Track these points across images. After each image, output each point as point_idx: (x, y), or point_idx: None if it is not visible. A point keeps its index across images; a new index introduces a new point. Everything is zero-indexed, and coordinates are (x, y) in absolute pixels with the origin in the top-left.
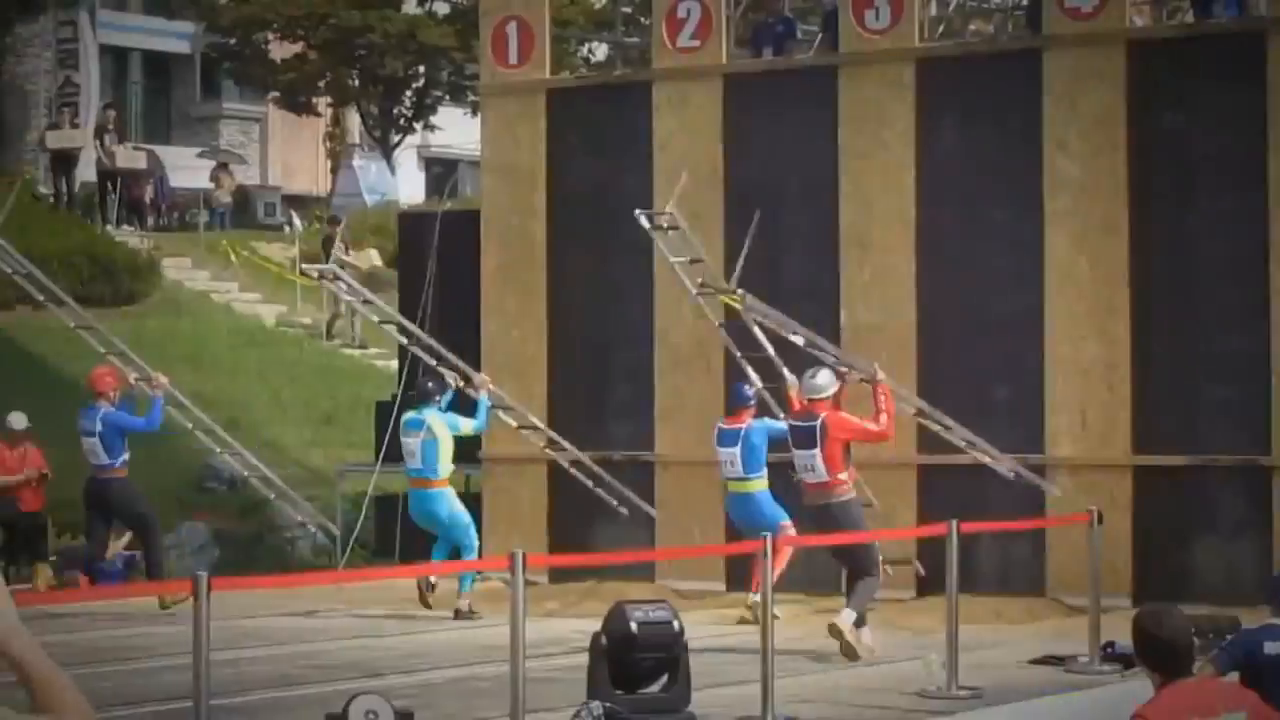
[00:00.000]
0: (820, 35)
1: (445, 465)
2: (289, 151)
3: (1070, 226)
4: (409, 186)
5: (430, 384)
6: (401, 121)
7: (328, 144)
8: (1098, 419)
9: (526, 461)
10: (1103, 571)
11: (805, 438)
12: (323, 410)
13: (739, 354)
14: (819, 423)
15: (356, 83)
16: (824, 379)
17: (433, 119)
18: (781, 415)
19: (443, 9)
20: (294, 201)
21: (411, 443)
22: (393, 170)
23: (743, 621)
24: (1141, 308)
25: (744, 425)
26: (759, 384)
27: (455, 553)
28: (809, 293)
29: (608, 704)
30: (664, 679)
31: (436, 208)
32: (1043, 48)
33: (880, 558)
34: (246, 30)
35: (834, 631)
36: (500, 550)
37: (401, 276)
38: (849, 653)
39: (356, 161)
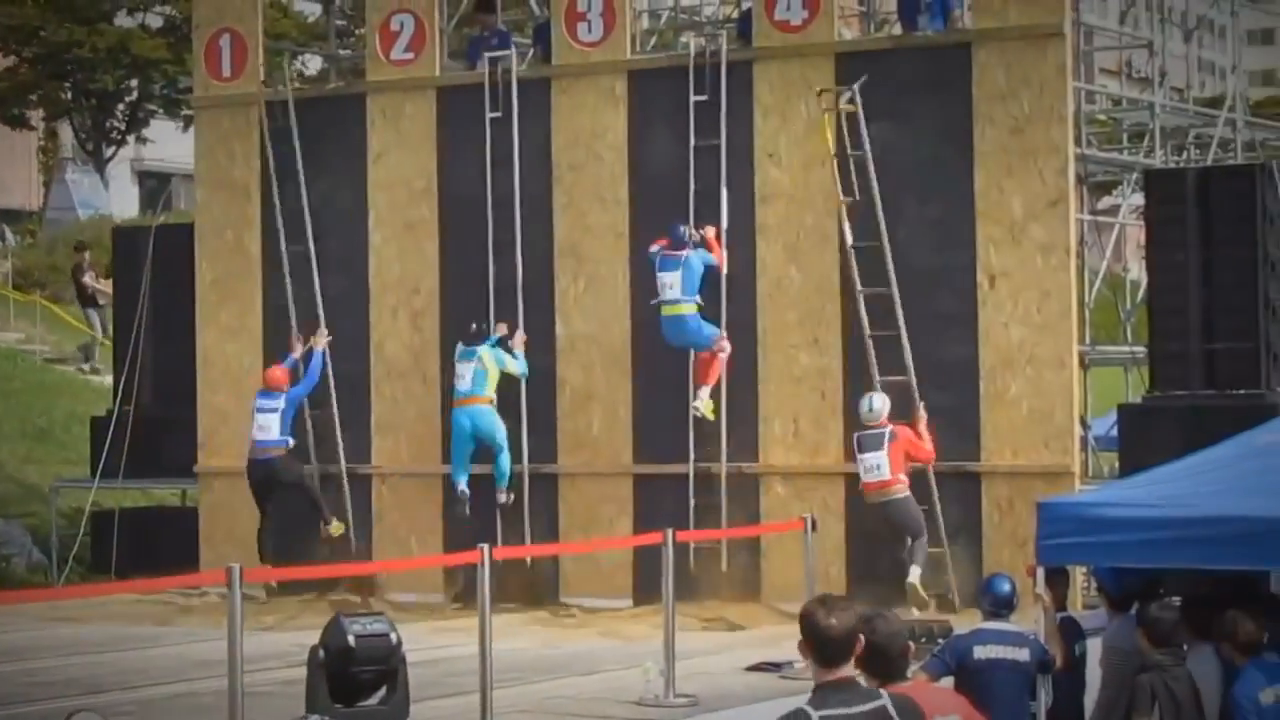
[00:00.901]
0: (533, 49)
1: (490, 389)
2: (1, 165)
3: (782, 236)
4: (123, 200)
5: (476, 327)
6: (115, 135)
7: (41, 158)
8: (810, 427)
9: (242, 476)
10: (817, 577)
11: (874, 442)
12: (37, 426)
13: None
14: (888, 430)
15: (69, 96)
16: (879, 403)
17: (146, 132)
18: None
19: (156, 22)
20: (6, 216)
21: (464, 369)
22: (106, 184)
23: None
24: (853, 316)
25: (685, 254)
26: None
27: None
28: (526, 303)
29: (326, 717)
30: (383, 691)
31: (150, 222)
32: (754, 59)
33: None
34: None
35: (910, 589)
36: (217, 564)
37: (116, 291)
38: (919, 603)
39: (70, 175)
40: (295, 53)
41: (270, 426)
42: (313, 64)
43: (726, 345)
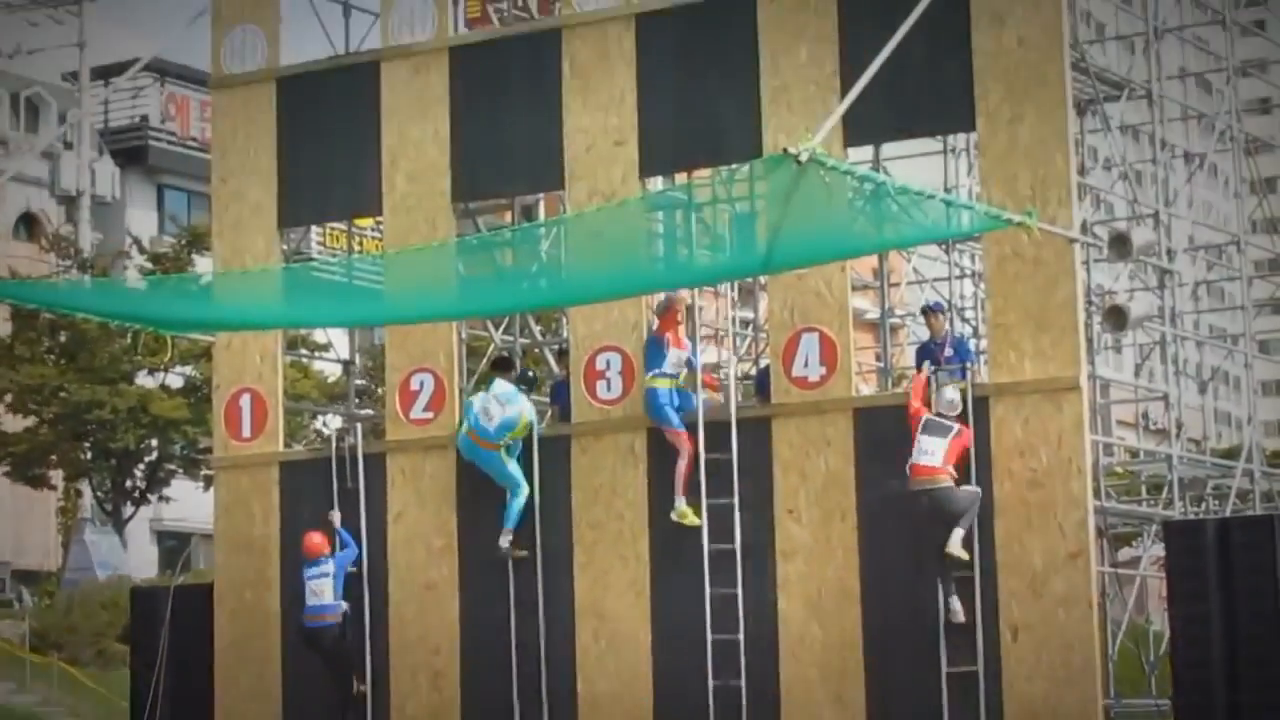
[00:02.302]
0: (551, 407)
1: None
2: (20, 525)
3: (803, 592)
4: (141, 560)
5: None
6: (134, 494)
7: (60, 518)
8: None
9: None
10: None
11: (940, 430)
12: None
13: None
14: (956, 427)
15: (89, 456)
16: (956, 396)
17: (165, 491)
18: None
19: (176, 382)
20: (24, 577)
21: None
22: (125, 544)
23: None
24: (875, 672)
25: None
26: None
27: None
28: (548, 662)
29: None
30: None
31: (168, 582)
32: (772, 416)
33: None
34: None
35: (948, 554)
36: None
37: (134, 652)
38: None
39: (88, 535)
40: (315, 413)
41: (324, 591)
42: (334, 423)
43: (686, 444)
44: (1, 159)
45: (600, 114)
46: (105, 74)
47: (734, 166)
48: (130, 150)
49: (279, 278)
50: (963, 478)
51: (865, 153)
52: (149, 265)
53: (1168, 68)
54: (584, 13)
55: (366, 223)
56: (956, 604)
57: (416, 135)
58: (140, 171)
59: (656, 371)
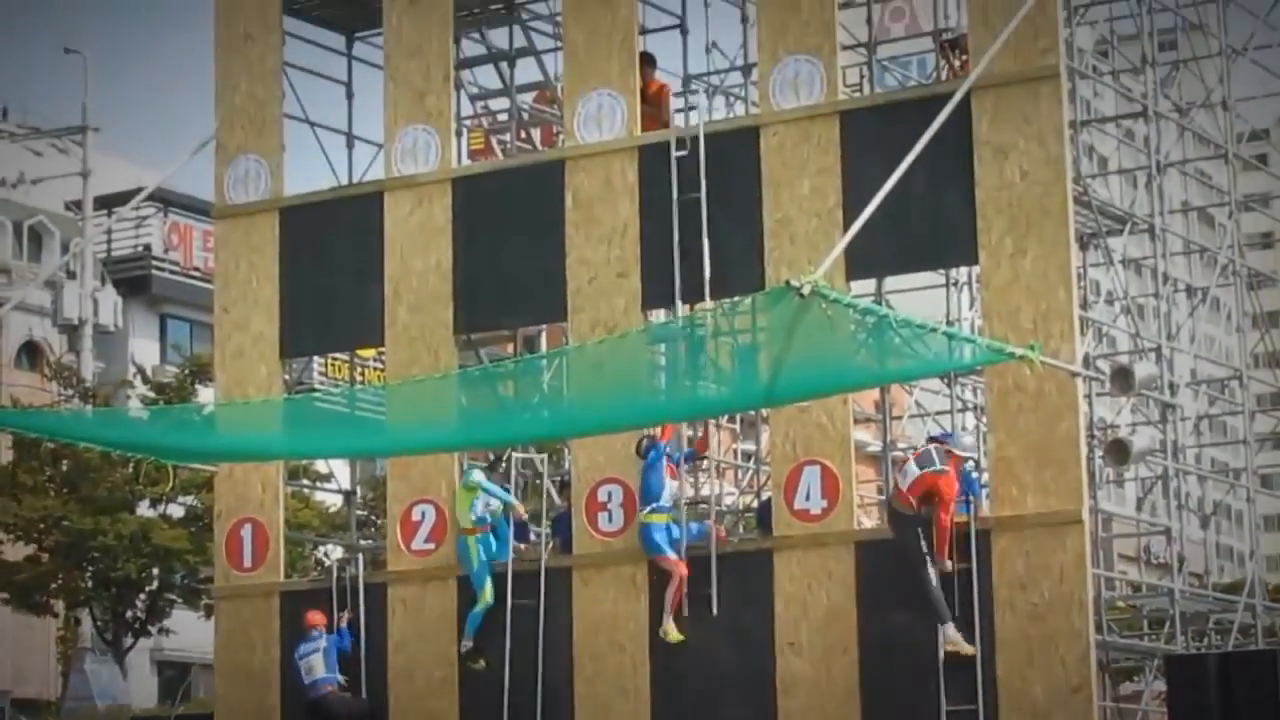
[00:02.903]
0: (552, 539)
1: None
2: (20, 653)
3: None
4: (141, 689)
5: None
6: (135, 624)
7: (59, 647)
8: None
9: None
10: None
11: (926, 461)
12: None
13: None
14: (939, 466)
15: (89, 584)
16: (972, 440)
17: (166, 622)
18: None
19: (177, 511)
20: (24, 706)
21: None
22: (125, 673)
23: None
24: None
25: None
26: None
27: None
28: None
29: None
30: None
31: (168, 712)
32: (773, 549)
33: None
34: None
35: (952, 649)
36: None
37: None
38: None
39: (88, 664)
40: (317, 543)
41: (315, 667)
42: (335, 552)
43: (678, 569)
44: (4, 288)
45: (603, 245)
46: (108, 203)
47: (737, 299)
48: (133, 280)
49: (281, 408)
50: (948, 553)
51: (868, 285)
52: (151, 395)
53: (1170, 201)
54: (586, 145)
55: (369, 353)
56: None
57: (419, 266)
58: (143, 301)
59: (654, 507)
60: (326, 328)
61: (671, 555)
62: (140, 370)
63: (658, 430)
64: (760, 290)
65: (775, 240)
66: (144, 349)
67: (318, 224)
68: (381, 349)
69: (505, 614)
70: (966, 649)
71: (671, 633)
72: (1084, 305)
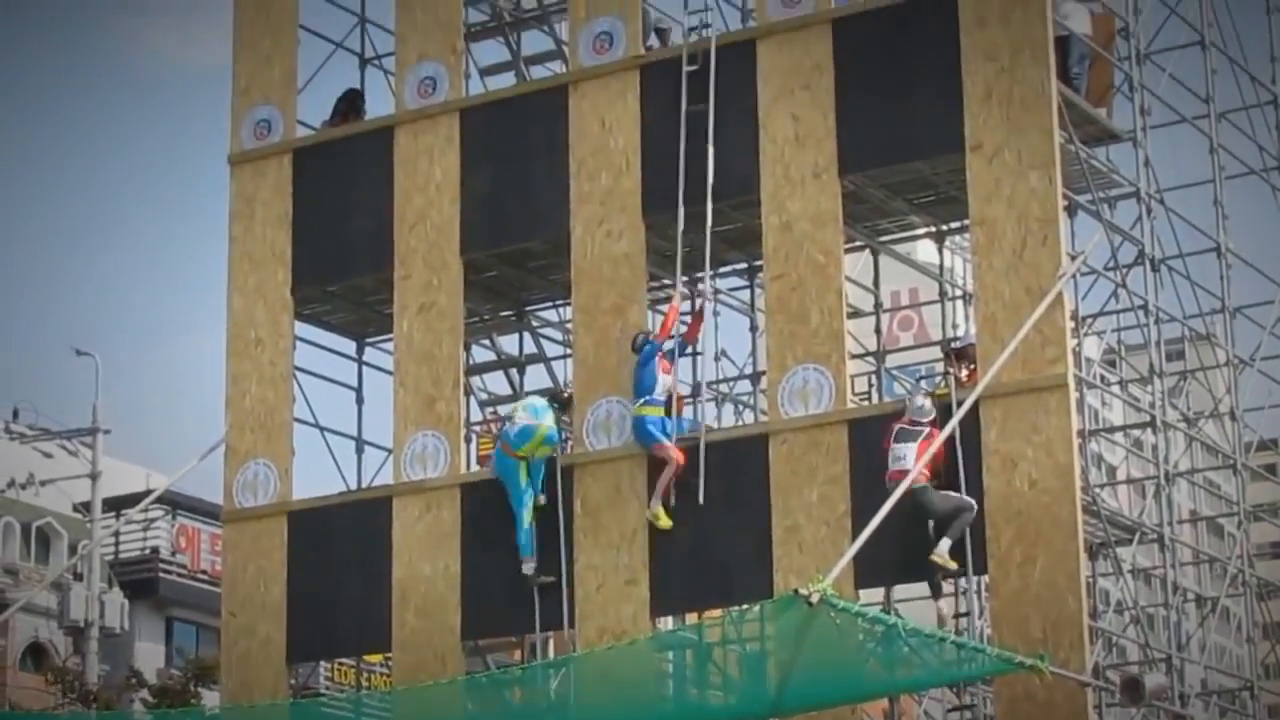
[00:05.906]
0: None
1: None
2: None
3: None
4: None
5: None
6: None
7: None
8: None
9: None
10: None
11: (910, 436)
12: None
13: None
14: (925, 430)
15: None
16: (928, 405)
17: None
18: None
19: None
20: None
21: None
22: None
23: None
24: None
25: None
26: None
27: None
28: None
29: None
30: None
31: None
32: None
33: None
34: None
35: (933, 560)
36: None
37: None
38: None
39: None
40: None
41: None
42: None
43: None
44: (11, 589)
45: (611, 552)
46: (117, 505)
47: (745, 606)
48: (140, 582)
49: (287, 713)
50: (945, 484)
51: (876, 594)
52: (152, 700)
53: (1179, 511)
54: (595, 451)
55: (375, 658)
56: (944, 607)
57: (427, 571)
58: (149, 603)
59: (647, 399)
60: (333, 633)
61: (666, 442)
62: (137, 674)
63: (654, 326)
64: (769, 598)
65: (784, 548)
66: (149, 652)
67: (326, 528)
68: (388, 654)
69: None
70: (950, 565)
71: (661, 518)
72: (1093, 615)
